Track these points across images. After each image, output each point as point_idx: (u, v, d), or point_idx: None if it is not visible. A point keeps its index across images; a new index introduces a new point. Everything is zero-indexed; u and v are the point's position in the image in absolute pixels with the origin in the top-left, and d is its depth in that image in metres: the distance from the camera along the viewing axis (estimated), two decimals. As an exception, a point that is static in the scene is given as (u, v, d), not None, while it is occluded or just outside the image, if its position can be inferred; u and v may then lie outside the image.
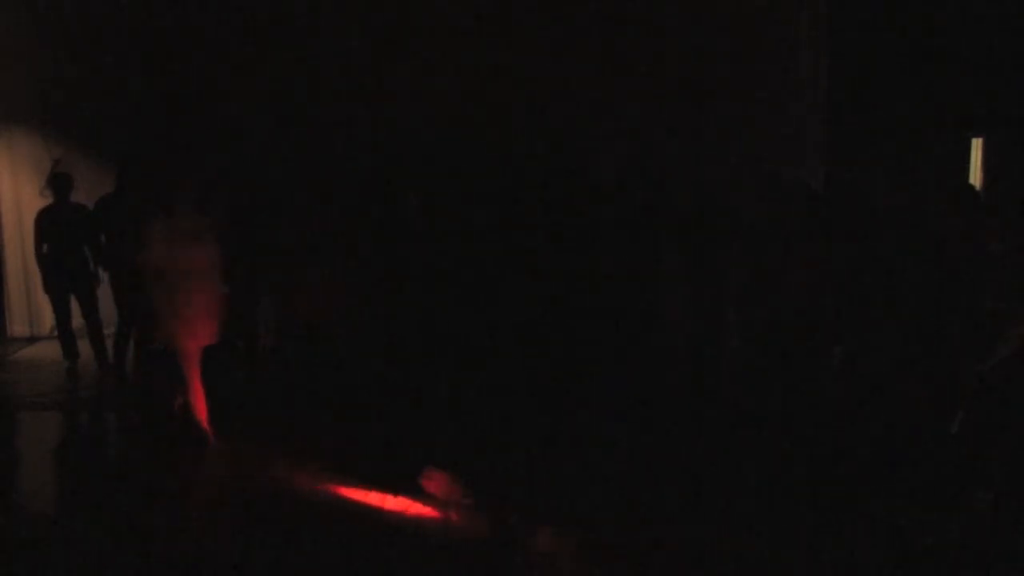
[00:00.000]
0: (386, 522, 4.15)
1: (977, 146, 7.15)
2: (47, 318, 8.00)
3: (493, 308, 6.38)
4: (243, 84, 7.81)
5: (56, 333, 7.49)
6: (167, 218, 5.18)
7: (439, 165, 7.17)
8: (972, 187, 6.27)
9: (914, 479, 4.49)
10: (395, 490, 4.45)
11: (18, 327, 8.08)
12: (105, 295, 6.92)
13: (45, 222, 6.77)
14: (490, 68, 7.74)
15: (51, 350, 7.50)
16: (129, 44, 7.92)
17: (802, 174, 7.09)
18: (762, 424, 5.34)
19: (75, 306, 7.00)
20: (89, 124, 7.93)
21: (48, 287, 6.86)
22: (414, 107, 7.70)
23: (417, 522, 4.14)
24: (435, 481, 4.44)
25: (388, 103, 7.76)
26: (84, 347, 7.15)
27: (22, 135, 7.95)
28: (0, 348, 7.77)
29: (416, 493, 4.41)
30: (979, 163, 7.19)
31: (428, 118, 7.63)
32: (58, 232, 6.74)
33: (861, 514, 4.19)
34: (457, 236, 6.45)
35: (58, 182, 6.82)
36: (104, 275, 6.91)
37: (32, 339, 8.02)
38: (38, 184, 7.72)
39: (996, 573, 3.70)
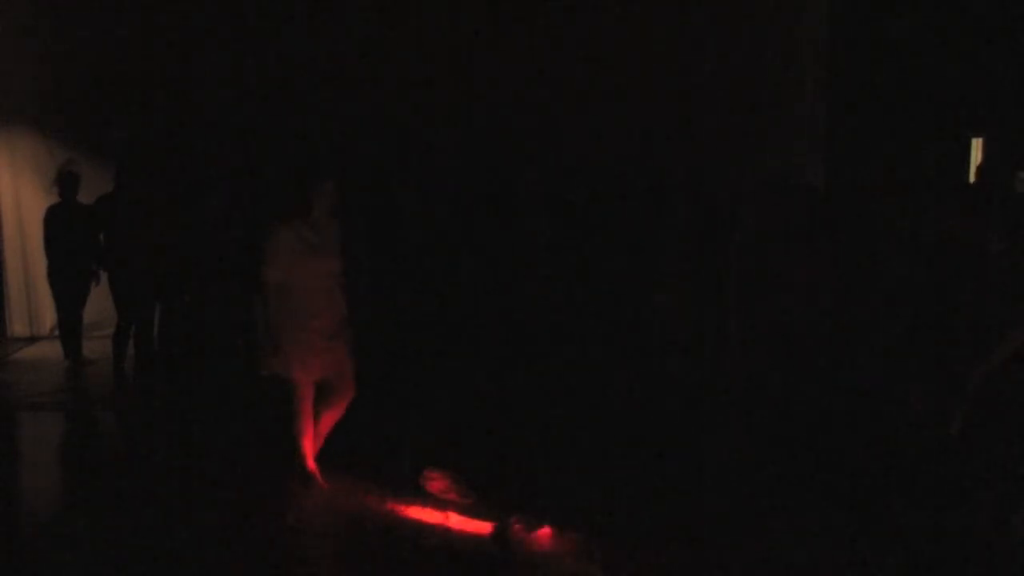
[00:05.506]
0: (386, 522, 4.15)
1: (977, 146, 7.15)
2: (47, 318, 8.00)
3: (492, 306, 6.39)
4: (243, 83, 7.81)
5: (56, 333, 7.50)
6: (295, 225, 4.34)
7: (435, 164, 7.19)
8: (978, 185, 6.26)
9: (915, 479, 4.49)
10: (395, 490, 4.45)
11: (18, 327, 8.07)
12: (105, 295, 6.90)
13: (53, 219, 6.87)
14: (489, 67, 7.75)
15: (51, 350, 7.50)
16: (128, 43, 7.91)
17: (803, 174, 7.10)
18: (762, 423, 5.34)
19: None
20: (89, 124, 7.92)
21: (53, 280, 6.96)
22: (410, 106, 7.71)
23: (417, 522, 4.14)
24: (435, 481, 4.43)
25: (386, 102, 7.76)
26: (85, 347, 7.18)
27: (23, 135, 7.94)
28: (0, 348, 7.77)
29: (416, 493, 4.41)
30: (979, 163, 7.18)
31: (425, 118, 7.64)
32: (66, 230, 6.82)
33: (862, 514, 4.19)
34: (455, 235, 6.45)
35: (67, 181, 6.86)
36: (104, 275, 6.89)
37: (32, 339, 8.01)
38: (39, 184, 7.72)
39: (997, 573, 3.70)
